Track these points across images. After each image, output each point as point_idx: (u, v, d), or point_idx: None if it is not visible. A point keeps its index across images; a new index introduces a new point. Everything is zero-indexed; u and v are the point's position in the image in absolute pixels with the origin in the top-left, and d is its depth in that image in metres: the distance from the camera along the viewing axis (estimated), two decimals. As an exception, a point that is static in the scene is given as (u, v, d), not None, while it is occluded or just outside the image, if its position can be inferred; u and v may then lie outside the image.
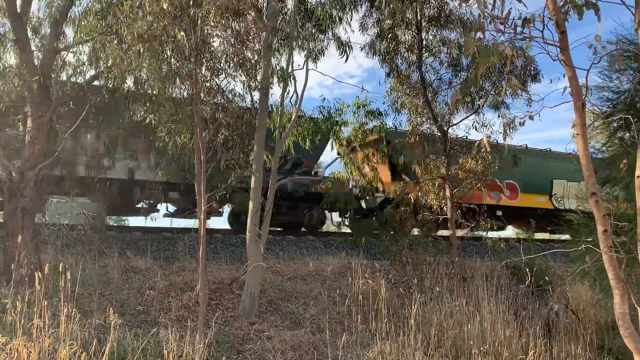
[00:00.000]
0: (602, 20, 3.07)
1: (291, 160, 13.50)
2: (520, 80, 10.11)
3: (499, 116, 10.77)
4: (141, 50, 5.71)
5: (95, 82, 8.18)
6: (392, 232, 11.91)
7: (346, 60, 8.60)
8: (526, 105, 3.26)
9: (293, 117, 8.38)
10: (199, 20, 5.68)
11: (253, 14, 6.17)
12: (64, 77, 8.35)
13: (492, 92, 10.37)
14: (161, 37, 5.58)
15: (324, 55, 8.88)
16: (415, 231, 12.99)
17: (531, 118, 3.31)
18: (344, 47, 8.52)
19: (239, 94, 7.29)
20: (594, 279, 6.46)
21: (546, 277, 8.72)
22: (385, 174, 15.06)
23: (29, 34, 7.83)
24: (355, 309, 7.43)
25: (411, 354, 5.82)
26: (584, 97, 3.24)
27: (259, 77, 7.48)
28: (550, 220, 15.73)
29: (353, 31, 10.18)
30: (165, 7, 5.26)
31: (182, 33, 5.66)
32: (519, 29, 3.08)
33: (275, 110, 8.91)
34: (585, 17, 3.10)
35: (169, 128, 6.65)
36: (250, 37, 6.31)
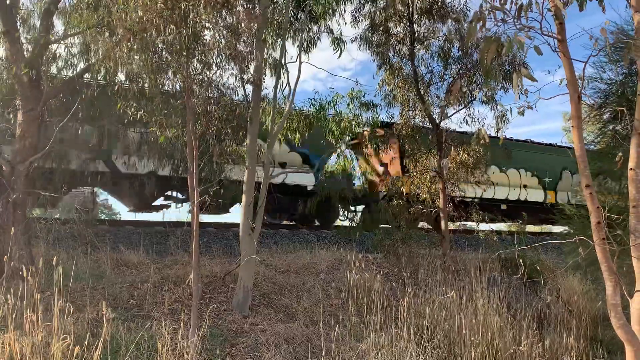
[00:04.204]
0: (598, 11, 3.05)
1: None
2: (506, 74, 10.12)
3: (491, 109, 10.79)
4: (132, 43, 5.65)
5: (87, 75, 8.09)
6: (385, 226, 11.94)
7: (339, 56, 8.60)
8: (522, 95, 3.23)
9: (286, 110, 8.34)
10: (191, 13, 5.64)
11: (245, 5, 6.14)
12: (54, 70, 8.25)
13: (489, 83, 10.34)
14: (152, 30, 5.53)
15: (315, 46, 8.85)
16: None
17: (530, 107, 3.29)
18: (338, 42, 8.49)
19: (232, 86, 7.26)
20: (585, 271, 6.51)
21: (538, 268, 8.77)
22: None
23: (19, 25, 7.73)
24: (349, 301, 7.45)
25: (404, 345, 5.85)
26: (580, 89, 3.23)
27: (251, 70, 7.44)
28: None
29: (346, 23, 10.11)
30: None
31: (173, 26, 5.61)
32: (517, 20, 3.05)
33: (268, 103, 8.86)
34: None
35: (160, 121, 6.59)
36: (242, 29, 6.27)
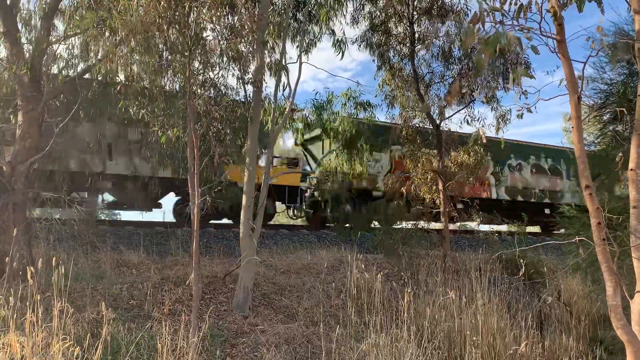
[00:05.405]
0: (598, 12, 3.06)
1: None
2: (508, 74, 10.12)
3: (491, 109, 10.78)
4: (133, 44, 5.66)
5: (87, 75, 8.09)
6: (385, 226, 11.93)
7: (342, 58, 8.60)
8: (522, 96, 3.23)
9: (286, 110, 8.35)
10: (193, 13, 5.66)
11: (246, 6, 6.14)
12: (54, 70, 8.25)
13: (488, 83, 10.34)
14: (154, 30, 5.54)
15: (315, 46, 8.85)
16: (408, 224, 13.01)
17: (529, 110, 3.29)
18: (339, 45, 8.49)
19: (232, 87, 7.27)
20: (586, 272, 6.51)
21: (544, 269, 8.77)
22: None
23: (19, 26, 7.74)
24: (350, 302, 7.45)
25: (405, 346, 5.85)
26: (580, 90, 3.23)
27: (251, 70, 7.45)
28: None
29: (347, 23, 10.06)
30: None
31: (176, 26, 5.62)
32: (516, 21, 3.05)
33: (268, 103, 8.86)
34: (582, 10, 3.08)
35: (161, 122, 6.60)
36: (245, 31, 6.27)
